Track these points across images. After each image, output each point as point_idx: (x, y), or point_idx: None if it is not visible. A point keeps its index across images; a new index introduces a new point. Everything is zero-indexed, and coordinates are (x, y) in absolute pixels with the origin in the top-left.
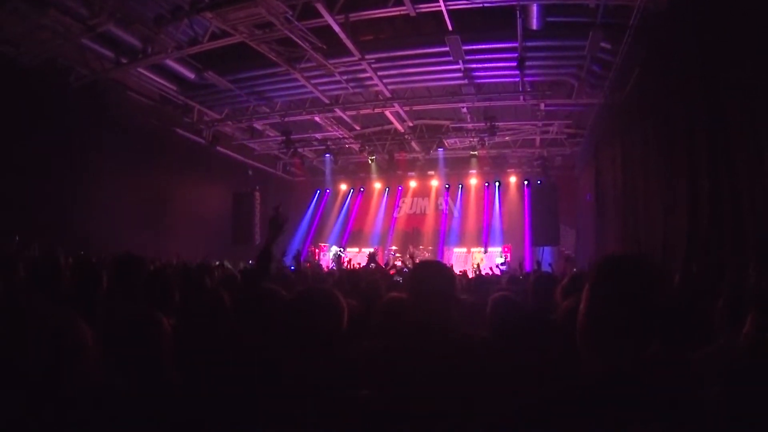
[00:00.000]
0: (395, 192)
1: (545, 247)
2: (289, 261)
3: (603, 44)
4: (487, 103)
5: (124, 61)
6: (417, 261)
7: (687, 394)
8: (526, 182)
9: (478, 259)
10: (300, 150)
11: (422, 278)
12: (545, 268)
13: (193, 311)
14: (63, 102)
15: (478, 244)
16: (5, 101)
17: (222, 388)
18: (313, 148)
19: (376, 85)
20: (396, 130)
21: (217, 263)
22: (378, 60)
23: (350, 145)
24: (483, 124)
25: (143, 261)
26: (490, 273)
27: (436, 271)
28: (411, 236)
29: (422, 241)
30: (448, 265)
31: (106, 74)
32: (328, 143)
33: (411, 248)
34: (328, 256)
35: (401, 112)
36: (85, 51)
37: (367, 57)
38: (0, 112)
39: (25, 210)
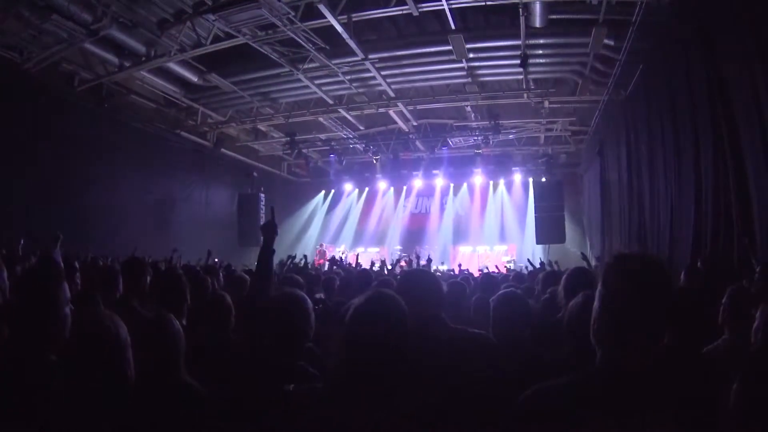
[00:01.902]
0: (400, 191)
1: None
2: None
3: (606, 41)
4: (491, 102)
5: (127, 64)
6: (422, 261)
7: (699, 387)
8: (531, 180)
9: (483, 257)
10: (304, 151)
11: (409, 287)
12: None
13: (198, 313)
14: (67, 106)
15: (484, 243)
16: (10, 106)
17: (230, 391)
18: (318, 148)
19: (380, 84)
20: (400, 129)
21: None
22: (381, 60)
23: (355, 145)
24: (487, 122)
25: (146, 263)
26: (497, 271)
27: (423, 281)
28: (416, 235)
29: (427, 240)
30: (434, 271)
31: (110, 78)
32: (333, 143)
33: (416, 248)
34: (344, 256)
35: (405, 111)
36: (89, 55)
37: (370, 57)
38: (5, 117)
39: (30, 213)
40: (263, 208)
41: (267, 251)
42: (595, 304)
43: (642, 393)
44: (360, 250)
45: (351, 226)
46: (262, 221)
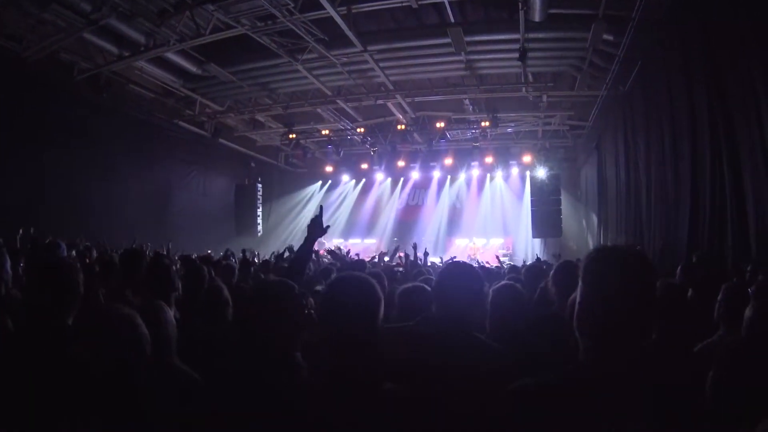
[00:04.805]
0: (397, 183)
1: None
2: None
3: (606, 36)
4: (489, 95)
5: (126, 54)
6: (419, 253)
7: (682, 383)
8: (528, 174)
9: (479, 250)
10: (302, 141)
11: (449, 279)
12: (549, 260)
13: (195, 303)
14: (66, 96)
15: (480, 236)
16: (9, 96)
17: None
18: (316, 139)
19: (378, 76)
20: (398, 121)
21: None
22: (380, 51)
23: (352, 137)
24: (485, 115)
25: (143, 255)
26: (493, 264)
27: (464, 274)
28: (410, 227)
29: (424, 232)
30: (474, 265)
31: (108, 68)
32: (331, 135)
33: (413, 240)
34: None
35: (403, 103)
36: (88, 45)
37: (369, 48)
38: (4, 106)
39: (28, 203)
40: (260, 197)
41: (307, 248)
42: (577, 299)
43: (621, 390)
44: (356, 241)
45: (344, 217)
46: (259, 211)
